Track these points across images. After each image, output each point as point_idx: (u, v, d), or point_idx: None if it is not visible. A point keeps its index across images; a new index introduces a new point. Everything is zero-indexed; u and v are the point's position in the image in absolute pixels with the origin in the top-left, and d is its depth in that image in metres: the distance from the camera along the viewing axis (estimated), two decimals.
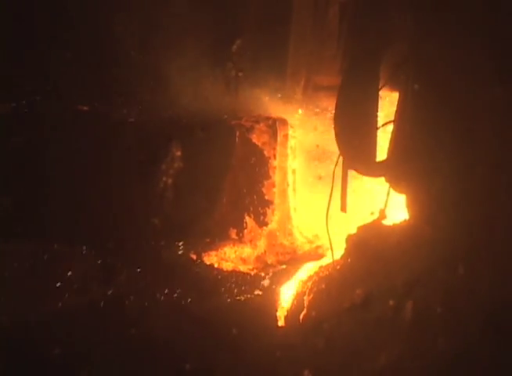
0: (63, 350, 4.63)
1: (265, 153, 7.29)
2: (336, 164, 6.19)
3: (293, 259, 7.25)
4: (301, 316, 5.74)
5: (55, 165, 6.56)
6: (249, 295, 6.15)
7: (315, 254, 7.32)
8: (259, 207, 7.26)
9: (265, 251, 7.24)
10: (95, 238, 6.46)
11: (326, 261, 6.41)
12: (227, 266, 6.90)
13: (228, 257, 7.06)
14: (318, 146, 7.46)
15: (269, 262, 7.22)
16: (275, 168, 7.30)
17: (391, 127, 5.87)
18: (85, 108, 6.69)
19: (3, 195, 6.28)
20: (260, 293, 6.24)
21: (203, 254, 6.89)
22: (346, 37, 6.09)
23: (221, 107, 7.20)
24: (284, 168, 7.36)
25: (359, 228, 6.15)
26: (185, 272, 6.37)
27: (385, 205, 6.12)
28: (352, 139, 5.97)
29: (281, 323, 5.95)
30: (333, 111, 6.03)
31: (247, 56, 7.31)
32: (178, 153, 7.01)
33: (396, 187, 5.83)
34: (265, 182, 7.28)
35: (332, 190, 6.21)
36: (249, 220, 7.22)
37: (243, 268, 6.99)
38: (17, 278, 5.79)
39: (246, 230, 7.19)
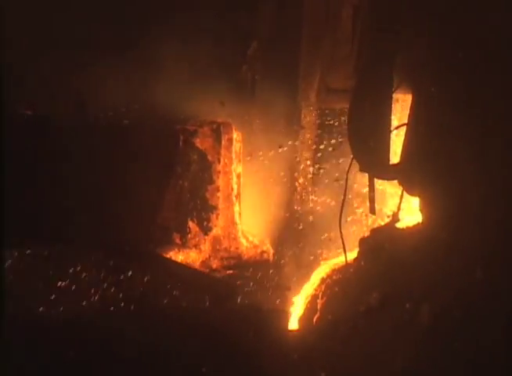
0: (78, 351, 4.62)
1: (209, 157, 7.24)
2: (349, 167, 6.18)
3: (238, 264, 7.24)
4: (315, 319, 5.74)
5: (71, 167, 6.55)
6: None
7: (261, 259, 7.30)
8: (203, 212, 7.22)
9: (210, 256, 7.21)
10: (109, 240, 6.45)
11: (339, 264, 6.39)
12: None
13: None
14: None
15: (214, 266, 7.20)
16: (219, 172, 7.25)
17: (403, 129, 5.87)
18: (101, 112, 6.67)
19: (19, 196, 6.26)
20: None
21: None
22: (359, 40, 6.08)
23: (236, 110, 7.21)
24: (229, 172, 7.31)
25: (372, 231, 6.16)
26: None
27: (398, 208, 6.12)
28: (366, 142, 5.95)
29: (295, 326, 5.96)
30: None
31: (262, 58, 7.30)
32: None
33: (409, 190, 5.82)
34: (209, 187, 7.25)
35: (345, 193, 6.20)
36: (192, 225, 7.18)
37: None
38: (31, 279, 5.78)
39: (189, 235, 7.14)
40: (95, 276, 6.10)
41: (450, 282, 4.51)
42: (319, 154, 7.56)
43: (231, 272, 7.14)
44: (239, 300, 6.28)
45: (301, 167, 7.58)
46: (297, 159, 7.55)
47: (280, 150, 7.53)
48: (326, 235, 7.30)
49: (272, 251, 7.43)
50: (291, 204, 7.58)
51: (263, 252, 7.39)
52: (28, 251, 6.02)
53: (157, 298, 5.91)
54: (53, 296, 5.70)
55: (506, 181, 4.60)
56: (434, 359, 4.31)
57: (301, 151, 7.58)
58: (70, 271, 6.07)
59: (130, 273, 6.26)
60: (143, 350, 4.74)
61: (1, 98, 2.18)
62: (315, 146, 7.59)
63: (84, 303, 5.66)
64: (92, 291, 5.88)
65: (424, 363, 4.31)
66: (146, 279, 6.22)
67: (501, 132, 4.68)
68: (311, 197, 7.61)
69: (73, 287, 5.91)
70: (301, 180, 7.57)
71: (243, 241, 7.37)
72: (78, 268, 6.12)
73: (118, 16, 7.06)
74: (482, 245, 4.50)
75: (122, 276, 6.17)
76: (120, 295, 5.85)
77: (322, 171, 7.57)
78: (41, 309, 5.42)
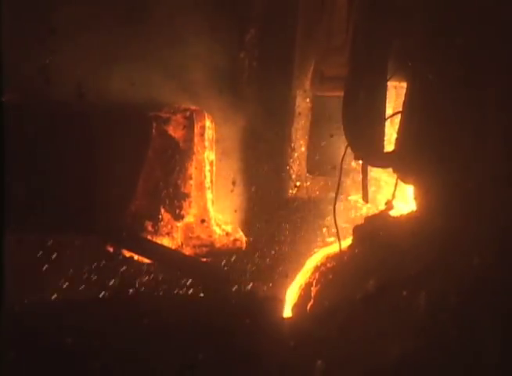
0: (76, 339, 4.60)
1: (182, 145, 7.22)
2: (344, 155, 6.18)
3: (210, 252, 7.24)
4: (309, 307, 5.75)
5: (70, 155, 6.52)
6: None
7: (234, 247, 7.31)
8: (175, 199, 7.20)
9: (182, 244, 7.20)
10: (109, 228, 6.43)
11: (333, 251, 6.40)
12: None
13: None
14: None
15: (187, 254, 7.19)
16: (192, 160, 7.24)
17: (398, 117, 5.87)
18: (102, 100, 6.62)
19: (17, 184, 6.22)
20: None
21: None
22: (354, 27, 6.06)
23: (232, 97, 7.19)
24: (201, 160, 7.30)
25: (367, 219, 6.16)
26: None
27: (392, 196, 6.13)
28: (360, 130, 5.95)
29: (288, 314, 5.96)
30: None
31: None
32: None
33: (404, 178, 5.83)
34: (182, 175, 7.21)
35: (339, 181, 6.20)
36: (164, 213, 7.16)
37: None
38: (29, 267, 5.75)
39: (161, 223, 7.12)
40: (95, 263, 6.09)
41: (447, 269, 4.53)
42: (314, 141, 7.56)
43: (204, 260, 7.14)
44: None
45: (296, 155, 7.58)
46: (292, 146, 7.55)
47: (275, 138, 7.52)
48: (320, 222, 7.31)
49: (244, 239, 7.44)
50: (285, 192, 7.58)
51: (236, 240, 7.38)
52: (20, 239, 5.98)
53: (156, 284, 5.91)
54: (48, 283, 5.68)
55: (504, 168, 4.62)
56: (431, 346, 4.33)
57: (295, 138, 7.57)
58: (65, 257, 6.05)
59: (126, 260, 6.25)
60: (139, 337, 4.73)
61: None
62: (309, 133, 7.59)
63: (79, 290, 5.65)
64: (88, 278, 5.87)
65: (422, 349, 4.33)
66: (142, 266, 6.21)
67: (499, 119, 4.70)
68: (305, 184, 7.61)
69: (69, 274, 5.90)
70: (295, 167, 7.57)
71: (216, 229, 7.36)
72: (79, 256, 6.10)
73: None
74: (479, 232, 4.52)
75: (118, 263, 6.15)
76: (117, 282, 5.84)
77: (317, 158, 7.57)
78: (35, 297, 5.39)
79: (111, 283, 5.93)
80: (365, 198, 6.19)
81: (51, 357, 4.50)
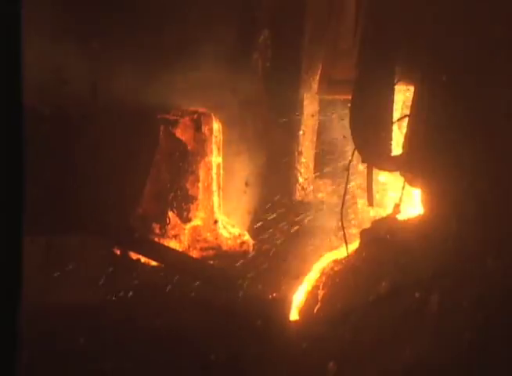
0: (89, 340, 4.60)
1: (189, 147, 7.24)
2: (351, 159, 6.18)
3: (218, 255, 7.25)
4: (316, 310, 5.74)
5: (79, 157, 6.51)
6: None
7: (240, 250, 7.31)
8: (182, 202, 7.22)
9: (189, 247, 7.20)
10: (117, 230, 6.42)
11: (340, 255, 6.40)
12: None
13: None
14: None
15: (194, 257, 7.20)
16: (199, 163, 7.26)
17: (406, 121, 5.89)
18: (110, 103, 6.62)
19: (33, 185, 6.19)
20: None
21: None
22: (362, 31, 6.07)
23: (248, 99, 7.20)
24: (209, 162, 7.33)
25: (374, 222, 6.17)
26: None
27: (400, 200, 6.13)
28: (368, 133, 5.95)
29: (295, 316, 5.96)
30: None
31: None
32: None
33: (412, 182, 5.84)
34: (189, 178, 7.24)
35: (347, 184, 6.20)
36: (172, 215, 7.17)
37: None
38: (43, 269, 5.74)
39: (169, 225, 7.13)
40: (108, 264, 6.08)
41: (461, 271, 4.54)
42: (322, 145, 7.57)
43: (211, 262, 7.15)
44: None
45: (302, 158, 7.58)
46: (300, 149, 7.56)
47: (284, 140, 7.52)
48: (328, 225, 7.31)
49: (251, 242, 7.43)
50: (293, 195, 7.58)
51: (243, 243, 7.38)
52: (33, 240, 5.97)
53: (164, 288, 5.90)
54: (61, 284, 5.67)
55: None
56: (444, 348, 4.33)
57: (303, 141, 7.59)
58: (78, 258, 6.04)
59: (137, 262, 6.24)
60: (151, 338, 4.73)
61: (19, 87, 2.11)
62: (316, 137, 7.60)
63: (92, 292, 5.64)
64: (106, 280, 5.86)
65: (435, 351, 4.33)
66: (153, 268, 6.20)
67: (508, 121, 4.72)
68: (312, 187, 7.62)
69: (81, 275, 5.89)
70: (303, 170, 7.58)
71: (223, 232, 7.36)
72: (91, 257, 6.09)
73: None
74: (493, 234, 4.53)
75: (135, 265, 6.15)
76: (134, 284, 5.83)
77: (324, 160, 7.57)
78: (48, 297, 5.38)
79: (123, 285, 5.92)
80: (370, 201, 6.20)
81: (65, 358, 4.49)
